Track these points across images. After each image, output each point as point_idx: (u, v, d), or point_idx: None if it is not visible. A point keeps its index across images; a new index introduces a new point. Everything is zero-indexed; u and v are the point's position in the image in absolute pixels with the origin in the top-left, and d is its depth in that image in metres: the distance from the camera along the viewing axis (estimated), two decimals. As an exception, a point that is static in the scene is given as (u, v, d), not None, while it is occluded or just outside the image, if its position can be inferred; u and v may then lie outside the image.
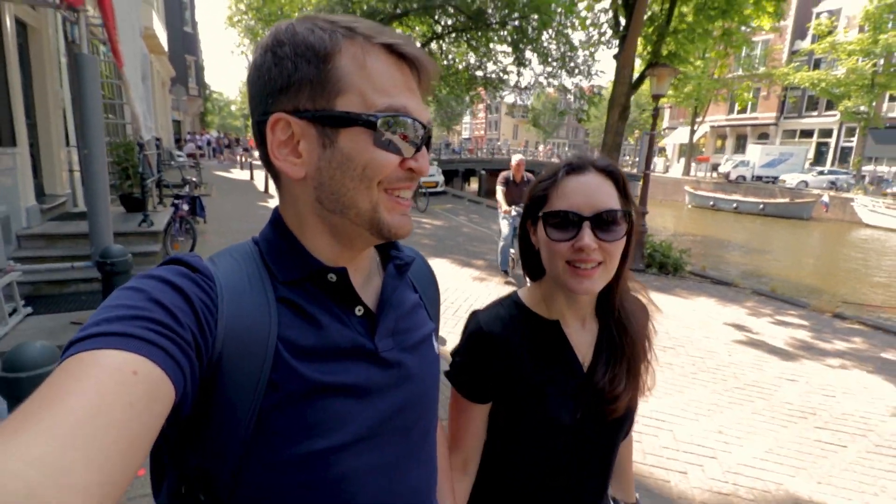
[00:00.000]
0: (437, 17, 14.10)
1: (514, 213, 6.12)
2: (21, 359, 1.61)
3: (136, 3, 6.61)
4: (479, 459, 0.95)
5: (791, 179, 24.65)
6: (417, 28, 14.78)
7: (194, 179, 8.60)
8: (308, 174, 0.55)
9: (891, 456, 3.13)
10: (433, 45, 15.13)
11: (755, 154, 27.68)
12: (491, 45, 14.89)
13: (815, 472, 2.91)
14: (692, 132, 30.44)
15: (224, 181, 16.66)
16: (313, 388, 0.52)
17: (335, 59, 0.52)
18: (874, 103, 23.36)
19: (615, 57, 8.77)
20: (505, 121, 59.73)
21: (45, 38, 6.30)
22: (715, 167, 29.81)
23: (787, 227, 19.37)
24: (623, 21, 8.82)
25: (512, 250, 6.50)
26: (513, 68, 15.42)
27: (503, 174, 6.39)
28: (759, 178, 26.50)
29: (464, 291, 6.10)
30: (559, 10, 12.44)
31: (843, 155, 28.60)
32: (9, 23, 5.27)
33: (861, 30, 22.89)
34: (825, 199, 21.16)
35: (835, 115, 27.05)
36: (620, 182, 0.85)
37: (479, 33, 14.14)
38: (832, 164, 28.19)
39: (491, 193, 21.64)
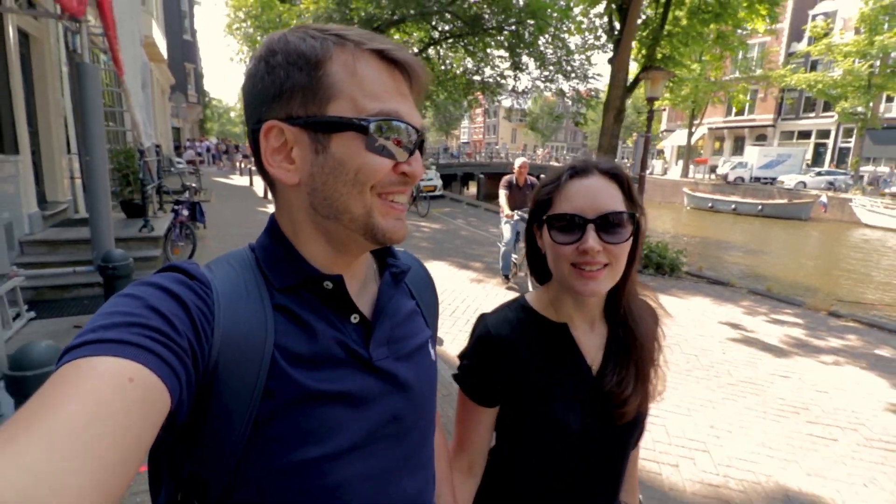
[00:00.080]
0: (434, 23, 14.24)
1: (516, 217, 6.03)
2: (27, 358, 1.67)
3: (136, 12, 6.71)
4: (484, 462, 0.96)
5: (789, 180, 24.73)
6: (415, 34, 14.93)
7: (194, 185, 8.68)
8: (302, 180, 0.55)
9: (881, 449, 3.18)
10: (431, 51, 15.28)
11: (753, 155, 27.78)
12: (488, 50, 15.02)
13: (806, 464, 2.96)
14: (690, 134, 30.57)
15: (223, 187, 16.75)
16: (308, 395, 0.53)
17: (326, 66, 0.53)
18: (871, 104, 23.47)
19: (610, 61, 8.88)
20: (503, 125, 59.94)
21: (46, 47, 6.41)
22: (713, 169, 29.90)
23: (786, 227, 19.41)
24: (617, 25, 8.93)
25: (514, 256, 6.36)
26: (510, 73, 15.55)
27: (506, 178, 6.26)
28: (758, 179, 26.58)
29: (461, 293, 6.16)
30: (555, 14, 12.58)
31: (842, 156, 28.69)
32: (11, 33, 5.36)
33: (857, 31, 23.05)
34: (823, 199, 21.21)
35: (832, 117, 27.17)
36: (625, 184, 0.85)
37: (476, 38, 14.27)
38: (830, 164, 28.27)
39: (489, 197, 21.70)
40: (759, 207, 21.94)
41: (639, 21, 8.91)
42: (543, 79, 15.50)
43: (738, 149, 33.10)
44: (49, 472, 0.31)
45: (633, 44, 9.00)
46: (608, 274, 0.82)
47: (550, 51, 14.51)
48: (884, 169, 25.19)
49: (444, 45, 15.33)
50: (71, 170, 7.10)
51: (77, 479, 0.32)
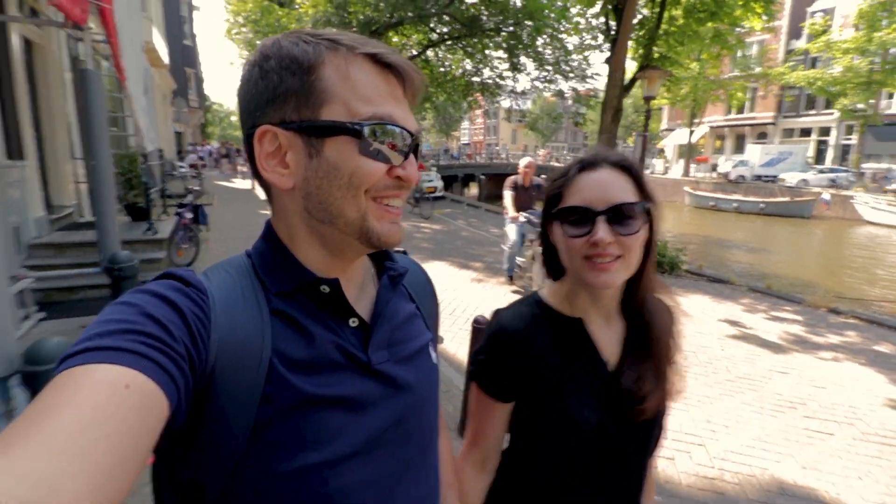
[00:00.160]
0: (432, 26, 14.31)
1: (522, 219, 5.89)
2: (40, 353, 1.75)
3: (136, 18, 6.80)
4: (498, 458, 0.95)
5: (791, 178, 24.67)
6: (413, 36, 15.00)
7: (196, 189, 8.75)
8: (296, 185, 0.55)
9: (877, 443, 3.21)
10: (429, 53, 15.36)
11: (754, 154, 27.72)
12: (486, 52, 15.07)
13: (801, 458, 3.00)
14: (690, 133, 30.57)
15: (225, 191, 16.86)
16: (306, 400, 0.52)
17: (318, 71, 0.53)
18: (872, 101, 23.43)
19: (607, 61, 8.92)
20: (503, 126, 59.98)
21: (49, 55, 6.50)
22: (714, 167, 29.88)
23: (788, 225, 19.40)
24: (613, 25, 8.98)
25: (520, 259, 6.23)
26: (509, 74, 15.60)
27: (511, 178, 6.13)
28: (759, 177, 26.51)
29: (461, 293, 6.20)
30: (552, 15, 12.64)
31: (844, 153, 28.63)
32: (16, 42, 5.45)
33: (856, 28, 23.03)
34: (826, 196, 21.17)
35: (833, 114, 27.12)
36: (636, 176, 0.84)
37: (475, 40, 14.31)
38: (832, 162, 28.21)
39: (490, 198, 21.74)
40: (761, 206, 21.91)
41: (635, 21, 8.96)
42: (542, 79, 15.57)
43: (740, 147, 33.04)
44: (46, 480, 0.31)
45: (630, 43, 9.04)
46: (621, 266, 0.81)
47: (549, 51, 14.57)
48: (889, 166, 25.03)
49: (443, 47, 15.37)
50: (76, 174, 7.19)
51: (74, 485, 0.32)
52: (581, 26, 12.56)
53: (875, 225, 19.35)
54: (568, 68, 14.90)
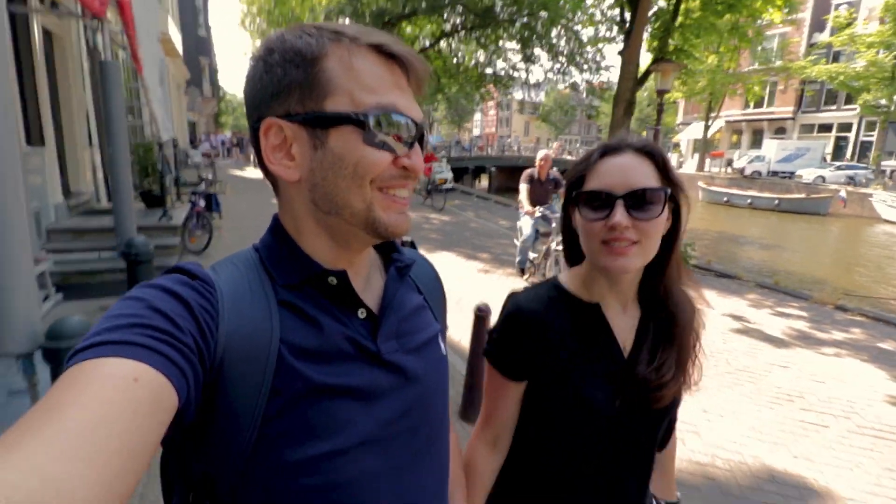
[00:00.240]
0: (445, 16, 14.25)
1: (538, 214, 5.79)
2: (62, 330, 1.88)
3: (153, 9, 6.94)
4: (510, 439, 0.95)
5: (808, 175, 24.22)
6: (427, 27, 14.98)
7: (209, 177, 8.93)
8: (302, 177, 0.56)
9: (871, 436, 3.24)
10: (442, 44, 15.31)
11: (771, 149, 27.24)
12: (500, 43, 14.99)
13: (794, 448, 3.04)
14: (706, 127, 30.10)
15: (238, 180, 17.06)
16: (315, 389, 0.53)
17: (322, 62, 0.53)
18: (895, 96, 22.84)
19: (620, 53, 8.86)
20: (516, 118, 59.54)
21: (68, 45, 6.67)
22: (729, 162, 29.43)
23: (804, 222, 19.09)
24: (628, 16, 8.90)
25: (533, 254, 6.17)
26: (522, 65, 15.50)
27: (527, 171, 6.02)
28: (775, 173, 26.07)
29: (469, 282, 6.28)
30: (567, 6, 12.53)
31: (863, 149, 27.99)
32: (37, 33, 5.61)
33: (881, 21, 22.39)
34: (842, 194, 20.76)
35: (854, 109, 26.49)
36: (660, 162, 0.83)
37: (489, 31, 14.23)
38: (852, 158, 27.61)
39: (500, 190, 21.71)
40: (776, 202, 21.59)
41: (650, 13, 8.86)
42: (556, 71, 15.45)
43: (757, 142, 32.48)
44: (56, 475, 0.32)
45: (645, 36, 8.95)
46: (638, 251, 0.81)
47: (563, 43, 14.45)
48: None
49: (456, 38, 15.31)
50: (93, 162, 7.39)
51: (84, 480, 0.33)
52: (596, 18, 12.45)
53: (893, 223, 18.95)
54: (582, 60, 14.77)
